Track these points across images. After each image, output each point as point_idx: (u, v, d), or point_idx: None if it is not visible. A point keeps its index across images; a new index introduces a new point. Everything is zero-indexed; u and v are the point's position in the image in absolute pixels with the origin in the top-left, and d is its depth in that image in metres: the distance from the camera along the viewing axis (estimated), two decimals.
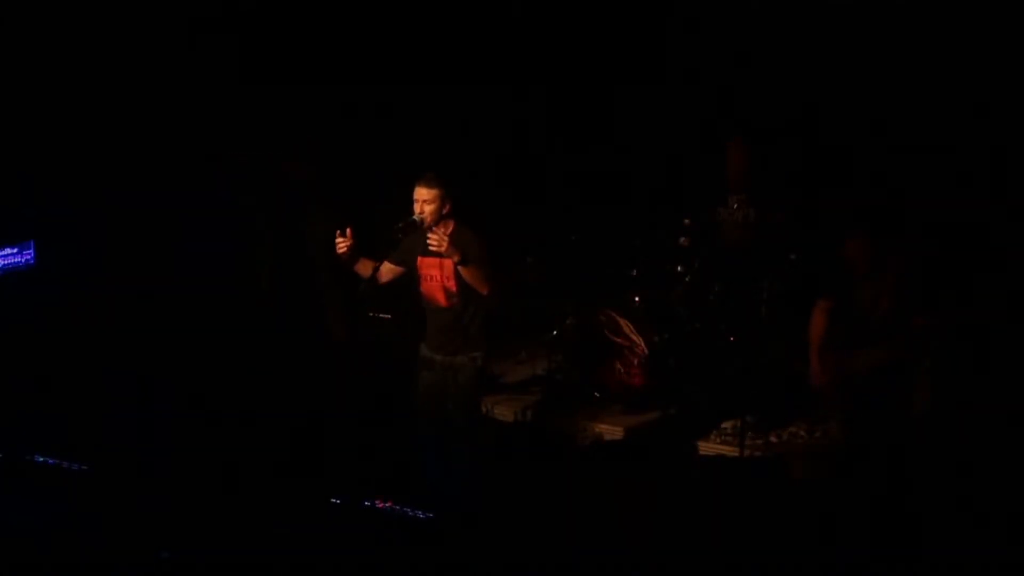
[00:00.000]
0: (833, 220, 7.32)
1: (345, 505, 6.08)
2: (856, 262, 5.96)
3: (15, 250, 8.37)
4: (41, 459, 6.56)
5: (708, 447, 7.70)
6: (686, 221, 8.42)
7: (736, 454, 7.44)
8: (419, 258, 6.80)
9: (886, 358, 5.97)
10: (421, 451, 6.97)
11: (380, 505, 6.05)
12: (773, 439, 7.70)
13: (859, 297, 6.00)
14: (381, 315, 8.97)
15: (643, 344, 8.20)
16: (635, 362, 8.21)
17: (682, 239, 8.41)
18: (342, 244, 6.59)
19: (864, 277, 5.97)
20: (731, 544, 6.16)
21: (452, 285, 6.73)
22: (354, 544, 5.86)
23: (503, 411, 8.31)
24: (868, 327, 5.98)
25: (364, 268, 6.77)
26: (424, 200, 6.61)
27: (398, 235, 6.63)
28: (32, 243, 8.45)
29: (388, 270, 6.87)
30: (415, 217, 6.62)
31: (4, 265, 8.31)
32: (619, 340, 8.27)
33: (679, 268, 8.45)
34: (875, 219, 6.00)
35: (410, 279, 6.93)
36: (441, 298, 6.80)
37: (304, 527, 5.93)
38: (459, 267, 6.58)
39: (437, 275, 6.76)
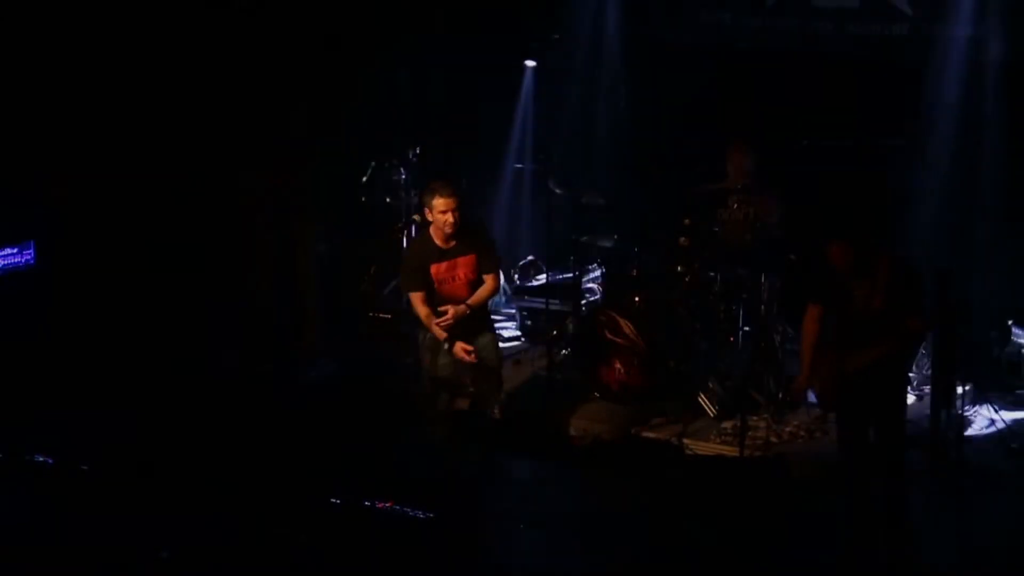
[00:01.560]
0: (829, 221, 7.32)
1: (345, 505, 6.08)
2: (840, 265, 5.95)
3: (15, 250, 8.37)
4: (41, 459, 6.57)
5: (708, 447, 7.70)
6: (686, 221, 8.43)
7: (736, 454, 7.44)
8: (433, 265, 6.97)
9: (880, 357, 5.96)
10: (427, 447, 7.03)
11: (380, 505, 6.05)
12: (773, 439, 7.70)
13: (852, 298, 5.99)
14: (381, 315, 8.97)
15: (643, 344, 8.20)
16: (635, 362, 8.22)
17: (682, 239, 8.41)
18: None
19: (856, 278, 5.96)
20: (730, 545, 6.15)
21: (474, 275, 7.05)
22: (354, 544, 5.86)
23: (503, 411, 8.29)
24: (862, 327, 5.97)
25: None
26: (451, 209, 6.81)
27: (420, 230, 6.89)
28: (32, 243, 8.46)
29: (423, 298, 7.02)
30: (421, 218, 6.83)
31: (4, 265, 8.31)
32: (619, 340, 8.27)
33: (679, 268, 8.45)
34: (856, 222, 5.98)
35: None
36: (465, 292, 7.05)
37: (304, 527, 5.94)
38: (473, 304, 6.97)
39: (462, 274, 7.02)
